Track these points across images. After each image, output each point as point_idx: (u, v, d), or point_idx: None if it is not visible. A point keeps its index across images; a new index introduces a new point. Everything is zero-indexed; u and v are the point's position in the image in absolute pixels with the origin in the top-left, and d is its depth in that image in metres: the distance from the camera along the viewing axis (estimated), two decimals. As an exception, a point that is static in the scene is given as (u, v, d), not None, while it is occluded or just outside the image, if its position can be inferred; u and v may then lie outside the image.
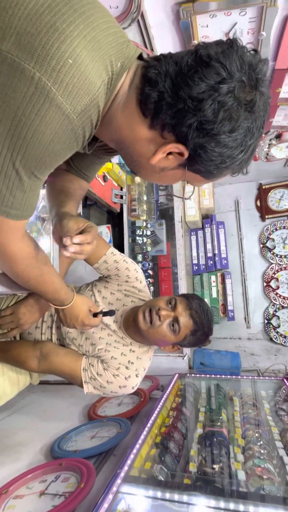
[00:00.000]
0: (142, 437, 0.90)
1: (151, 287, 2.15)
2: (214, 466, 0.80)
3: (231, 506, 0.64)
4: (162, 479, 0.75)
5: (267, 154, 2.01)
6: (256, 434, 0.97)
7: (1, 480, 0.95)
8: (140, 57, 0.54)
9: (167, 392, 1.30)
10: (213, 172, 0.55)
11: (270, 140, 1.89)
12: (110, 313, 0.93)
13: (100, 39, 0.44)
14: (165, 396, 1.25)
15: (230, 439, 1.00)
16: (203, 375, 1.62)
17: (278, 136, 1.89)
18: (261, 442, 0.94)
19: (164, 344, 1.01)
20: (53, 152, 0.47)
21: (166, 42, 1.08)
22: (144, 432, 0.93)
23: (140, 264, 2.08)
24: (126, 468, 0.74)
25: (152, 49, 1.07)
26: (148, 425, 0.98)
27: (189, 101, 0.47)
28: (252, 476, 0.77)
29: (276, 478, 0.79)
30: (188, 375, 1.64)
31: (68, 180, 0.79)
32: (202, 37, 1.04)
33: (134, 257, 2.08)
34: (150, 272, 2.16)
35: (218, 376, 1.60)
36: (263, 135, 1.91)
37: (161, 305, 0.97)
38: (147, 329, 0.95)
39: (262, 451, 0.88)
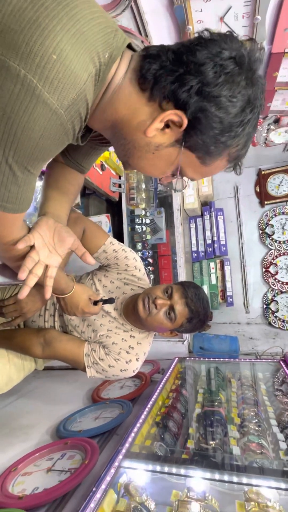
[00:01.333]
0: (142, 416, 0.95)
1: (151, 275, 2.18)
2: (211, 442, 0.85)
3: (225, 477, 0.68)
4: (162, 454, 0.79)
5: (266, 139, 1.99)
6: (252, 413, 1.02)
7: (10, 459, 1.00)
8: (130, 46, 0.54)
9: (167, 375, 1.35)
10: (210, 149, 0.53)
11: (269, 125, 1.86)
12: (110, 301, 0.95)
13: (85, 31, 0.44)
14: (165, 379, 1.29)
15: (227, 418, 1.04)
16: (202, 359, 1.67)
17: (277, 121, 1.86)
18: (256, 420, 0.98)
19: (162, 331, 1.04)
20: (44, 147, 0.47)
21: (160, 28, 1.06)
22: (145, 412, 0.98)
23: (139, 252, 2.09)
24: (127, 445, 0.79)
25: (146, 35, 1.05)
26: (149, 405, 1.03)
27: (191, 65, 0.47)
28: (247, 451, 0.82)
29: (269, 453, 0.83)
30: (187, 358, 1.68)
31: (63, 173, 0.80)
32: (196, 22, 1.01)
33: (133, 246, 2.10)
34: (150, 260, 2.18)
35: (217, 359, 1.64)
36: (261, 119, 1.89)
37: (158, 293, 0.99)
38: (146, 317, 0.98)
39: (257, 428, 0.92)
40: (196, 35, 0.50)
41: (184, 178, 0.63)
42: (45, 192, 0.79)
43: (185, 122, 0.50)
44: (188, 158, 0.56)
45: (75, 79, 0.44)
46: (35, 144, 0.46)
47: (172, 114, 0.50)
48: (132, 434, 0.84)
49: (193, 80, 0.47)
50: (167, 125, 0.52)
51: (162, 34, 1.06)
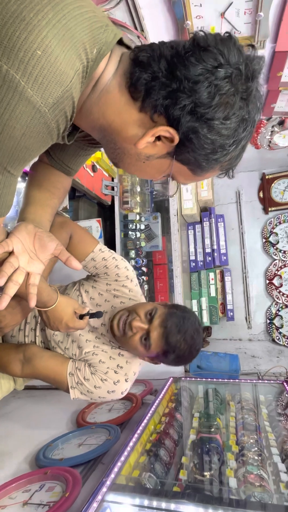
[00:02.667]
0: (131, 444, 0.93)
1: (146, 286, 2.17)
2: (205, 473, 0.84)
3: (220, 513, 0.67)
4: (151, 487, 0.78)
5: (270, 142, 2.03)
6: (252, 440, 1.01)
7: (-18, 490, 0.97)
8: (121, 41, 0.55)
9: (160, 397, 1.33)
10: (202, 164, 0.56)
11: (273, 127, 1.90)
12: (97, 315, 0.94)
13: (72, 26, 0.45)
14: (157, 401, 1.28)
15: (224, 446, 1.03)
16: (199, 379, 1.66)
17: (281, 123, 1.91)
18: (256, 448, 0.97)
19: (139, 356, 1.02)
20: (26, 146, 0.48)
21: (157, 23, 1.09)
22: (134, 439, 0.96)
23: (133, 260, 2.09)
24: (112, 476, 0.77)
25: (142, 30, 1.08)
26: (138, 431, 1.01)
27: (185, 81, 0.48)
28: (244, 483, 0.81)
29: (269, 485, 0.82)
30: (183, 378, 1.67)
31: (47, 175, 0.80)
32: (196, 17, 1.04)
33: (126, 253, 2.10)
34: (144, 269, 2.18)
35: (215, 379, 1.63)
36: (264, 121, 1.93)
37: (139, 313, 0.96)
38: (120, 337, 0.97)
39: (256, 458, 0.91)
40: (191, 35, 0.52)
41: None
42: (26, 195, 0.79)
43: (176, 139, 0.53)
44: (179, 168, 0.59)
45: (61, 76, 0.44)
46: (16, 143, 0.46)
47: (164, 131, 0.52)
48: (119, 464, 0.83)
49: (186, 99, 0.49)
50: (158, 138, 0.54)
51: (159, 29, 1.09)
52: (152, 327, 0.94)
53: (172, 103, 0.50)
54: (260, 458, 0.93)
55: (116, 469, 0.80)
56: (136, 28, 1.03)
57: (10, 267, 0.62)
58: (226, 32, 0.52)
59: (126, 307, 1.03)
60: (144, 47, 0.53)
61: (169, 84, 0.49)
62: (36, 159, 0.87)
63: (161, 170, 0.60)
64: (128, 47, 0.57)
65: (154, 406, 1.22)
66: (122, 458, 0.85)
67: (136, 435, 0.99)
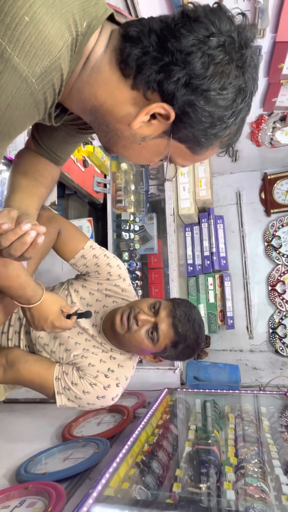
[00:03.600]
0: (120, 455, 0.93)
1: (139, 291, 2.18)
2: (201, 485, 0.83)
3: (216, 526, 0.66)
4: (142, 499, 0.77)
5: (272, 139, 2.07)
6: (252, 452, 1.01)
7: None
8: (111, 18, 0.57)
9: (153, 407, 1.33)
10: (201, 140, 0.57)
11: (274, 123, 1.94)
12: (86, 314, 0.95)
13: None
14: (150, 412, 1.27)
15: (221, 458, 1.03)
16: (196, 390, 1.65)
17: (283, 119, 1.95)
18: (257, 460, 0.97)
19: (142, 353, 1.03)
20: (11, 119, 0.49)
21: (152, 8, 1.12)
22: (124, 450, 0.96)
23: (126, 263, 2.10)
24: (99, 487, 0.77)
25: (136, 16, 1.11)
26: (129, 442, 1.01)
27: (177, 54, 0.50)
28: (243, 495, 0.80)
29: (269, 498, 0.82)
30: (179, 390, 1.67)
31: (34, 163, 0.81)
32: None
33: (119, 256, 2.11)
34: (138, 273, 2.19)
35: (213, 390, 1.63)
36: (265, 117, 1.97)
37: (143, 308, 0.98)
38: (124, 334, 0.97)
39: (256, 470, 0.91)
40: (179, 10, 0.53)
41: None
42: (11, 183, 0.79)
43: (173, 116, 0.54)
44: (177, 148, 0.59)
45: (49, 45, 0.45)
46: (1, 115, 0.47)
47: (158, 107, 0.53)
48: (107, 475, 0.82)
49: (180, 72, 0.50)
50: (153, 116, 0.55)
51: (154, 15, 1.12)
52: (159, 318, 0.96)
53: (166, 77, 0.51)
54: (260, 470, 0.93)
55: (103, 481, 0.79)
56: (130, 14, 1.06)
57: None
58: (215, 2, 0.54)
59: (127, 304, 1.04)
60: (133, 22, 0.54)
61: (161, 57, 0.51)
62: (22, 146, 0.88)
63: (159, 152, 0.61)
64: (119, 24, 0.58)
65: (147, 417, 1.22)
66: (111, 470, 0.85)
67: (126, 446, 0.98)
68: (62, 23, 0.47)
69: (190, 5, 0.53)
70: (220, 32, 0.50)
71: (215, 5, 0.53)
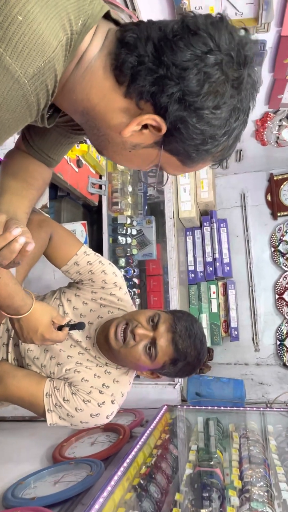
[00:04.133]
0: (115, 478, 0.93)
1: (137, 300, 2.18)
2: (202, 510, 0.83)
3: None
4: (138, 527, 0.77)
5: (278, 138, 2.10)
6: (257, 475, 1.01)
7: None
8: (107, 15, 0.58)
9: (152, 426, 1.33)
10: (192, 155, 0.60)
11: (280, 120, 1.97)
12: (79, 326, 0.95)
13: None
14: (148, 431, 1.27)
15: (225, 481, 1.03)
16: (197, 407, 1.65)
17: (290, 117, 1.98)
18: (262, 484, 0.97)
19: (139, 369, 1.03)
20: (1, 121, 0.50)
21: (151, 2, 1.14)
22: (119, 473, 0.96)
23: (123, 270, 2.11)
24: (93, 513, 0.76)
25: (134, 9, 1.13)
26: (125, 464, 1.01)
27: (173, 68, 0.52)
28: (248, 521, 0.80)
29: (276, 524, 0.82)
30: (179, 407, 1.66)
31: (24, 164, 0.82)
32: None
33: (115, 262, 2.12)
34: (136, 280, 2.19)
35: (216, 408, 1.63)
36: (271, 114, 2.00)
37: (141, 320, 0.98)
38: (119, 349, 0.97)
39: (262, 494, 0.91)
40: (180, 17, 0.55)
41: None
42: (0, 185, 0.80)
43: (164, 129, 0.56)
44: (168, 159, 0.62)
45: (43, 45, 0.47)
46: None
47: (150, 119, 0.56)
48: (101, 500, 0.82)
49: (174, 87, 0.52)
50: (145, 126, 0.57)
51: (153, 8, 1.14)
52: (158, 333, 0.96)
53: (159, 90, 0.53)
54: (267, 494, 0.93)
55: (97, 506, 0.79)
56: (127, 7, 1.08)
57: None
58: (218, 13, 0.56)
59: (123, 315, 1.04)
60: (131, 26, 0.56)
61: (156, 69, 0.53)
62: (11, 146, 0.89)
63: (149, 160, 0.64)
64: (115, 22, 0.60)
65: (144, 437, 1.21)
66: (105, 494, 0.84)
67: (122, 468, 0.98)
68: (57, 22, 0.48)
69: (191, 14, 0.54)
70: (218, 48, 0.52)
71: (218, 17, 0.55)
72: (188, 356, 0.97)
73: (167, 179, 0.75)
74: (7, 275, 0.78)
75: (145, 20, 0.58)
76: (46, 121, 0.63)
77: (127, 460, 1.03)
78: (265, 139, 2.16)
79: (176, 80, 0.52)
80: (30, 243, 0.60)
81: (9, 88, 0.47)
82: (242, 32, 0.56)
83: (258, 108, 1.96)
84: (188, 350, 0.96)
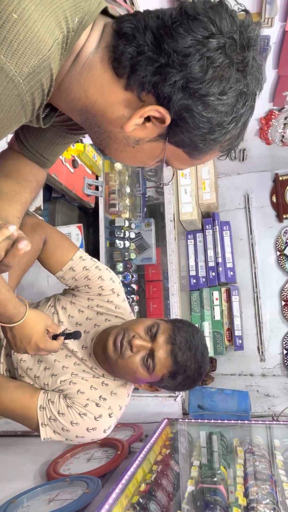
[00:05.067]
0: (113, 495, 0.93)
1: (136, 307, 2.19)
2: (205, 529, 0.84)
3: None
4: None
5: (283, 136, 2.12)
6: (263, 492, 1.01)
7: None
8: (105, 11, 0.60)
9: (151, 441, 1.33)
10: (199, 146, 0.60)
11: (286, 118, 1.99)
12: (75, 335, 0.95)
13: None
14: (148, 446, 1.27)
15: (228, 498, 1.03)
16: (200, 420, 1.66)
17: (296, 114, 2.00)
18: (268, 501, 0.98)
19: (137, 382, 1.04)
20: None
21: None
22: (117, 490, 0.96)
23: (120, 276, 2.12)
24: (89, 533, 0.77)
25: (132, 3, 1.15)
26: (123, 481, 1.01)
27: (174, 55, 0.52)
28: None
29: None
30: (181, 420, 1.67)
31: (16, 165, 0.83)
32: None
33: (113, 267, 2.13)
34: (134, 286, 2.20)
35: (220, 421, 1.63)
36: (275, 112, 2.02)
37: (138, 331, 0.98)
38: (116, 359, 0.97)
39: (268, 511, 0.92)
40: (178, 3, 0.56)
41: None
42: None
43: (168, 120, 0.57)
44: (174, 152, 0.63)
45: (39, 43, 0.48)
46: None
47: (153, 111, 0.56)
48: (98, 519, 0.82)
49: (177, 75, 0.53)
50: (147, 119, 0.58)
51: (152, 2, 1.15)
52: (156, 345, 0.96)
53: (161, 79, 0.54)
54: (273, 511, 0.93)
55: (94, 525, 0.80)
56: (125, 1, 1.10)
57: None
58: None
59: (121, 325, 1.05)
60: (127, 17, 0.57)
61: (156, 58, 0.54)
62: (4, 146, 0.90)
63: (154, 155, 0.64)
64: (112, 16, 0.61)
65: (143, 452, 1.22)
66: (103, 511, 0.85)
67: (120, 485, 0.98)
68: (52, 20, 0.49)
69: (188, 2, 0.55)
70: (220, 32, 0.53)
71: (217, 1, 0.56)
72: (188, 370, 0.97)
73: (173, 175, 0.76)
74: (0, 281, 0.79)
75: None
76: (41, 121, 0.64)
77: (126, 477, 1.03)
78: (270, 138, 2.18)
79: (178, 68, 0.53)
80: (23, 240, 0.60)
81: (3, 87, 0.48)
82: (244, 15, 0.57)
83: (262, 105, 1.98)
84: (188, 363, 0.96)
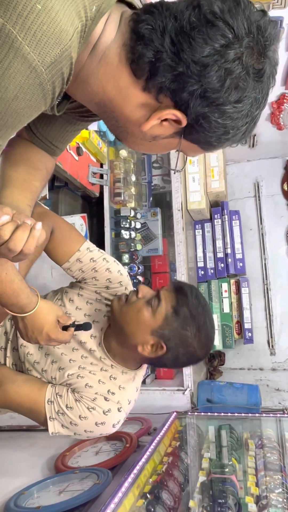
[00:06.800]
0: (126, 484, 0.97)
1: (142, 299, 2.22)
2: (218, 516, 0.88)
3: None
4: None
5: (295, 121, 2.13)
6: (275, 482, 1.06)
7: None
8: None
9: (161, 433, 1.38)
10: (213, 144, 0.66)
11: (298, 103, 2.00)
12: (85, 326, 0.98)
13: None
14: (158, 438, 1.32)
15: (241, 487, 1.08)
16: (209, 413, 1.70)
17: (308, 98, 2.00)
18: (281, 490, 1.02)
19: (141, 334, 1.01)
20: (17, 111, 0.54)
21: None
22: (129, 479, 1.01)
23: (126, 267, 2.15)
24: (105, 519, 0.81)
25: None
26: (135, 471, 1.06)
27: (193, 65, 0.57)
28: (266, 527, 0.85)
29: (296, 530, 0.87)
30: (189, 414, 1.71)
31: (26, 153, 0.86)
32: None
33: (118, 258, 2.15)
34: (141, 278, 2.24)
35: (230, 414, 1.68)
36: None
37: (144, 289, 1.05)
38: (120, 308, 1.03)
39: (281, 500, 0.96)
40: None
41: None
42: (1, 176, 0.84)
43: (184, 123, 0.62)
44: (189, 146, 0.69)
45: (61, 33, 0.51)
46: (7, 106, 0.53)
47: (171, 114, 0.61)
48: (112, 506, 0.87)
49: (195, 85, 0.58)
50: (165, 119, 0.63)
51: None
52: (161, 289, 1.03)
53: (180, 87, 0.58)
54: (286, 501, 0.98)
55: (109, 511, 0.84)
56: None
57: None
58: None
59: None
60: (144, 16, 0.60)
61: (175, 66, 0.58)
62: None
63: (169, 148, 0.71)
64: (129, 4, 0.64)
65: (154, 443, 1.26)
66: (116, 500, 0.89)
67: (132, 475, 1.03)
68: (73, 9, 0.53)
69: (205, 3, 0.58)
70: (237, 38, 0.57)
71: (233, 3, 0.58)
72: (190, 305, 1.00)
73: (185, 161, 0.82)
74: (12, 271, 0.82)
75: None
76: (56, 109, 0.67)
77: (137, 467, 1.08)
78: (282, 123, 2.19)
79: (197, 78, 0.57)
80: (39, 227, 0.63)
81: (26, 76, 0.51)
82: (260, 13, 0.59)
83: (274, 89, 1.98)
84: (190, 298, 1.01)
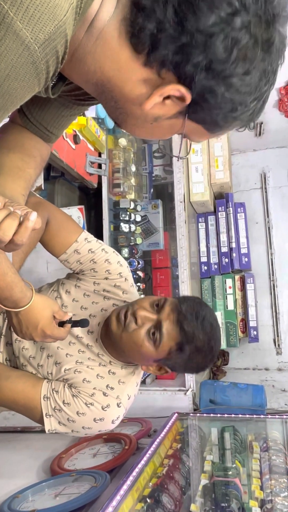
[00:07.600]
0: (124, 487, 0.98)
1: (142, 295, 2.23)
2: (221, 521, 0.88)
3: None
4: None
5: (304, 108, 2.11)
6: (280, 485, 1.06)
7: None
8: None
9: (161, 435, 1.38)
10: (219, 123, 0.64)
11: (307, 88, 1.99)
12: (82, 323, 0.98)
13: None
14: (158, 440, 1.32)
15: (245, 491, 1.08)
16: (212, 415, 1.70)
17: None
18: (286, 494, 1.02)
19: (144, 360, 1.05)
20: (9, 91, 0.54)
21: None
22: (128, 482, 1.01)
23: (126, 261, 2.15)
24: (102, 523, 0.82)
25: None
26: (134, 473, 1.06)
27: (197, 35, 0.55)
28: (271, 532, 0.86)
29: (302, 535, 0.87)
30: (191, 415, 1.72)
31: (19, 140, 0.85)
32: None
33: (117, 252, 2.15)
34: (141, 274, 2.24)
35: (233, 415, 1.68)
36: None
37: (143, 305, 1.03)
38: (120, 333, 1.01)
39: (286, 503, 0.96)
40: None
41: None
42: None
43: (189, 99, 0.60)
44: (193, 128, 0.66)
45: (55, 8, 0.50)
46: None
47: (174, 90, 0.59)
48: (110, 509, 0.87)
49: (200, 55, 0.56)
50: (167, 96, 0.61)
51: None
52: (163, 315, 1.00)
53: (184, 59, 0.56)
54: (291, 505, 0.98)
55: (106, 515, 0.84)
56: None
57: None
58: None
59: (126, 303, 1.08)
60: None
61: (178, 37, 0.56)
62: (6, 119, 0.92)
63: (172, 131, 0.69)
64: None
65: (154, 445, 1.27)
66: (114, 503, 0.90)
67: (131, 477, 1.03)
68: None
69: None
70: (244, 7, 0.55)
71: None
72: (196, 340, 0.99)
73: (189, 148, 0.80)
74: (5, 264, 0.82)
75: None
76: (50, 91, 0.66)
77: (136, 469, 1.08)
78: (289, 110, 2.18)
79: (202, 48, 0.55)
80: (33, 214, 0.63)
81: (18, 54, 0.50)
82: None
83: (282, 74, 1.95)
84: (195, 332, 0.99)
